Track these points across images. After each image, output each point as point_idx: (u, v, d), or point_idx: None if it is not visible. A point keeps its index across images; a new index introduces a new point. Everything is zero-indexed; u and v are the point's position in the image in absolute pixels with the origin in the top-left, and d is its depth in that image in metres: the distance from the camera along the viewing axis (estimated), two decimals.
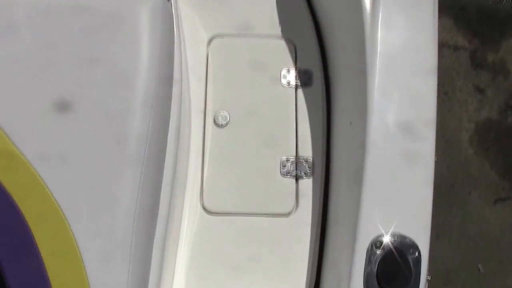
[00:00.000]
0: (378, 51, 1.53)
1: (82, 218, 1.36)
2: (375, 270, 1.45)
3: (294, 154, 1.88)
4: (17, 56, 1.43)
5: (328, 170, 1.87)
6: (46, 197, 1.36)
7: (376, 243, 1.46)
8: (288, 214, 1.84)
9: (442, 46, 3.05)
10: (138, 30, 1.50)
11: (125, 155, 1.41)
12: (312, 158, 1.87)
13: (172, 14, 1.69)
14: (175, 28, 1.70)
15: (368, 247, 1.46)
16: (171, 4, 1.69)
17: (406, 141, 1.50)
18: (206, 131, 1.91)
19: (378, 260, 1.46)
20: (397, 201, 1.48)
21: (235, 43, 2.00)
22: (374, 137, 1.52)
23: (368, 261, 1.46)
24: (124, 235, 1.38)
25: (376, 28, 1.54)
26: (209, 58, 1.98)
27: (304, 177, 1.86)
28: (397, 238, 1.47)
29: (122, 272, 1.37)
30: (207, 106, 1.93)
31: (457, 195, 2.88)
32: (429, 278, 1.53)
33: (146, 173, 1.42)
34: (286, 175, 1.86)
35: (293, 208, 1.84)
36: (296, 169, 1.86)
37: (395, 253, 1.45)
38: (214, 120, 1.90)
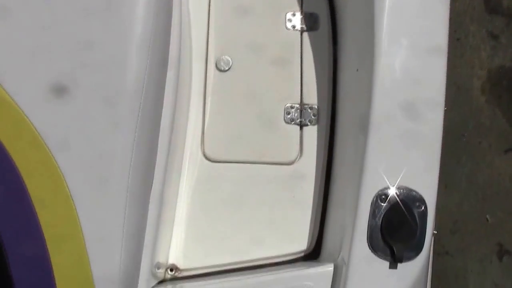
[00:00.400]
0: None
1: (76, 168, 1.34)
2: (379, 223, 1.41)
3: (299, 101, 1.82)
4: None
5: (333, 118, 1.80)
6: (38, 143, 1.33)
7: (381, 196, 1.42)
8: (291, 163, 1.79)
9: None
10: None
11: (121, 103, 1.37)
12: (318, 105, 1.81)
13: None
14: None
15: (373, 199, 1.42)
16: None
17: (415, 89, 1.44)
18: (208, 76, 1.84)
19: (383, 213, 1.42)
20: (404, 153, 1.43)
21: None
22: (381, 84, 1.46)
23: (373, 214, 1.42)
24: (119, 183, 1.35)
25: None
26: (211, 1, 1.90)
27: (309, 125, 1.80)
28: (403, 191, 1.42)
29: (117, 219, 1.35)
30: (209, 51, 1.86)
31: (467, 144, 2.82)
32: (435, 232, 1.49)
33: (142, 121, 1.38)
34: (290, 122, 1.80)
35: (297, 157, 1.79)
36: (301, 117, 1.80)
37: (401, 206, 1.41)
38: (216, 65, 1.84)
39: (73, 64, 1.36)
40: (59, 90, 1.35)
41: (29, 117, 1.33)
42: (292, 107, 1.80)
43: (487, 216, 2.78)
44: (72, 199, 1.33)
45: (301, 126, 1.81)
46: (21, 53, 1.37)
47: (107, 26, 1.40)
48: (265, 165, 1.79)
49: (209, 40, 1.87)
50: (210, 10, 1.90)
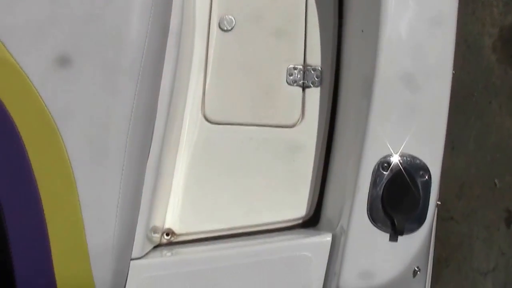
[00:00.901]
0: None
1: (77, 135, 1.33)
2: (380, 193, 1.37)
3: (302, 62, 1.76)
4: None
5: (337, 80, 1.75)
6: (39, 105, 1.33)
7: (384, 164, 1.37)
8: (293, 126, 1.74)
9: None
10: None
11: (120, 71, 1.35)
12: (321, 67, 1.75)
13: None
14: None
15: (375, 167, 1.38)
16: None
17: (422, 56, 1.39)
18: (210, 36, 1.79)
19: (384, 183, 1.37)
20: (409, 120, 1.38)
21: None
22: (387, 48, 1.41)
23: (374, 183, 1.38)
24: (117, 150, 1.34)
25: None
26: None
27: (312, 87, 1.75)
28: (406, 158, 1.37)
29: (113, 186, 1.34)
30: (212, 11, 1.80)
31: (476, 104, 2.76)
32: (439, 203, 1.44)
33: (141, 89, 1.36)
34: (293, 84, 1.75)
35: (299, 119, 1.74)
36: (304, 78, 1.75)
37: (404, 175, 1.36)
38: (219, 24, 1.78)
39: (77, 35, 1.35)
40: (63, 60, 1.33)
41: (34, 84, 1.32)
42: (295, 68, 1.75)
43: (496, 181, 2.72)
44: (71, 166, 1.32)
45: (304, 87, 1.76)
46: (29, 24, 1.34)
47: None
48: (266, 127, 1.75)
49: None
50: None
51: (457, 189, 2.72)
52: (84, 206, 1.33)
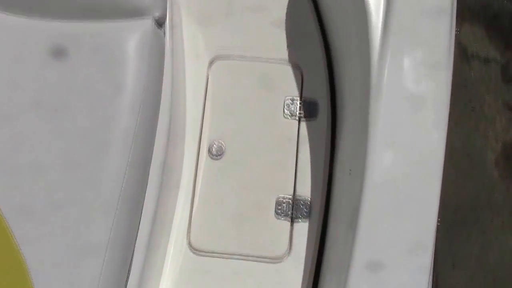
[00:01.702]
0: (383, 100, 1.38)
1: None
2: None
3: (291, 193, 1.75)
4: None
5: (327, 213, 1.74)
6: None
7: None
8: (280, 259, 1.72)
9: (471, 57, 2.87)
10: (124, 60, 1.45)
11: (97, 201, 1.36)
12: (311, 199, 1.75)
13: (164, 42, 1.59)
14: (170, 54, 1.63)
15: None
16: (164, 32, 1.59)
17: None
18: (199, 162, 1.81)
19: None
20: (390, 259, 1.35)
21: (238, 66, 1.88)
22: (371, 192, 1.39)
23: None
24: (93, 270, 1.32)
25: (383, 74, 1.39)
26: (209, 81, 1.87)
27: (300, 221, 1.74)
28: None
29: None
30: (203, 134, 1.82)
31: (478, 220, 2.72)
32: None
33: (120, 216, 1.36)
34: (281, 216, 1.74)
35: (286, 253, 1.72)
36: (293, 210, 1.74)
37: None
38: (208, 149, 1.79)
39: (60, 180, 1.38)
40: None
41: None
42: (283, 201, 1.74)
43: None
44: None
45: (292, 220, 1.75)
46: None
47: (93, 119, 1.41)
48: (253, 260, 1.73)
49: (204, 122, 1.82)
50: (207, 90, 1.86)
51: None
52: None
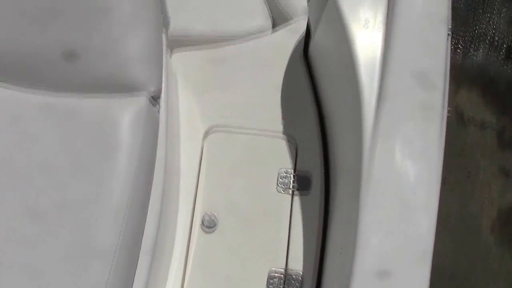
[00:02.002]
0: (374, 183, 1.39)
1: None
2: None
3: (283, 266, 1.75)
4: None
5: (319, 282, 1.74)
6: None
7: None
8: None
9: (468, 122, 2.89)
10: (117, 136, 1.46)
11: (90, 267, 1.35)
12: (302, 274, 1.74)
13: (158, 117, 1.61)
14: (164, 129, 1.64)
15: None
16: (158, 109, 1.61)
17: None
18: (192, 233, 1.80)
19: None
20: None
21: (233, 137, 1.89)
22: (360, 276, 1.39)
23: None
24: None
25: (374, 157, 1.40)
26: (203, 152, 1.87)
27: None
28: None
29: None
30: (196, 205, 1.82)
31: None
32: None
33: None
34: None
35: None
36: (284, 284, 1.73)
37: None
38: (201, 222, 1.79)
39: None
40: None
41: None
42: (275, 276, 1.74)
43: None
44: None
45: None
46: None
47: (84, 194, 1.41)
48: None
49: (197, 194, 1.82)
50: (202, 161, 1.86)
51: None
52: None
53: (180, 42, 2.01)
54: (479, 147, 2.85)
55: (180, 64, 1.99)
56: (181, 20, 1.98)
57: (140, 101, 1.52)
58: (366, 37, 1.50)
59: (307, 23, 1.93)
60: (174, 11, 1.85)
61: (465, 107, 2.90)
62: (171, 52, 2.00)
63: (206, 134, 1.89)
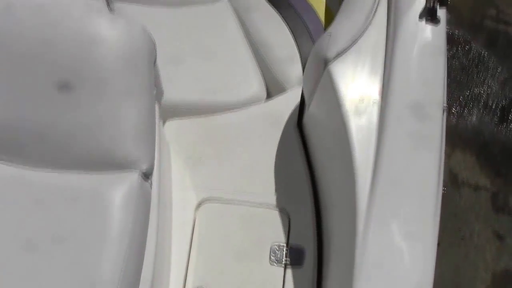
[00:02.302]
0: (366, 270, 1.37)
1: None
2: None
3: None
4: None
5: None
6: None
7: None
8: None
9: (462, 185, 2.89)
10: (109, 213, 1.45)
11: None
12: None
13: (150, 194, 1.60)
14: (156, 205, 1.62)
15: None
16: (151, 184, 1.60)
17: None
18: None
19: None
20: None
21: (225, 209, 1.88)
22: None
23: None
24: None
25: (367, 240, 1.39)
26: (195, 224, 1.86)
27: None
28: None
29: None
30: (188, 278, 1.80)
31: None
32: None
33: None
34: None
35: None
36: None
37: None
38: None
39: None
40: None
41: None
42: None
43: None
44: None
45: None
46: None
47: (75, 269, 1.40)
48: None
49: (189, 267, 1.81)
50: (194, 234, 1.85)
51: None
52: None
53: (173, 112, 2.01)
54: (473, 210, 2.85)
55: (174, 134, 1.99)
56: (175, 90, 1.99)
57: (132, 178, 1.51)
58: (361, 116, 1.50)
59: (302, 93, 1.93)
60: (168, 80, 1.84)
61: (459, 169, 2.90)
62: (165, 121, 2.00)
63: (199, 205, 1.89)
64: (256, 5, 2.29)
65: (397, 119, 1.49)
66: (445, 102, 1.54)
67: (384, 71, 1.55)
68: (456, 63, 3.08)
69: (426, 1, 1.64)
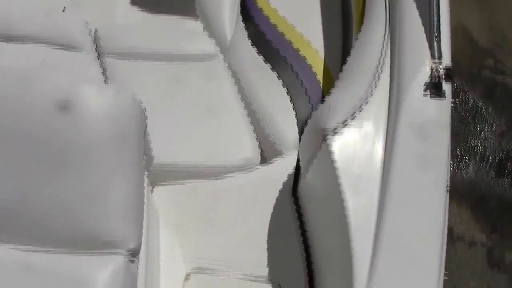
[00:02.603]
0: None
1: None
2: None
3: None
4: None
5: None
6: None
7: None
8: None
9: (457, 239, 2.85)
10: None
11: None
12: None
13: (136, 276, 1.53)
14: (142, 283, 1.56)
15: None
16: (137, 263, 1.53)
17: None
18: None
19: None
20: None
21: (216, 281, 1.83)
22: None
23: None
24: None
25: None
26: None
27: None
28: None
29: None
30: None
31: None
32: None
33: None
34: None
35: None
36: None
37: None
38: None
39: None
40: None
41: None
42: None
43: None
44: None
45: None
46: None
47: None
48: None
49: None
50: None
51: None
52: None
53: (164, 176, 1.96)
54: (468, 266, 2.80)
55: (163, 200, 1.94)
56: (165, 154, 1.93)
57: (118, 259, 1.45)
58: (361, 195, 1.46)
59: (297, 159, 1.88)
60: (158, 144, 1.78)
61: (455, 223, 2.85)
62: (154, 186, 1.94)
63: (188, 276, 1.83)
64: (251, 63, 2.24)
65: (398, 199, 1.44)
66: (449, 180, 1.49)
67: (386, 147, 1.51)
68: (454, 114, 3.03)
69: (431, 76, 1.59)
